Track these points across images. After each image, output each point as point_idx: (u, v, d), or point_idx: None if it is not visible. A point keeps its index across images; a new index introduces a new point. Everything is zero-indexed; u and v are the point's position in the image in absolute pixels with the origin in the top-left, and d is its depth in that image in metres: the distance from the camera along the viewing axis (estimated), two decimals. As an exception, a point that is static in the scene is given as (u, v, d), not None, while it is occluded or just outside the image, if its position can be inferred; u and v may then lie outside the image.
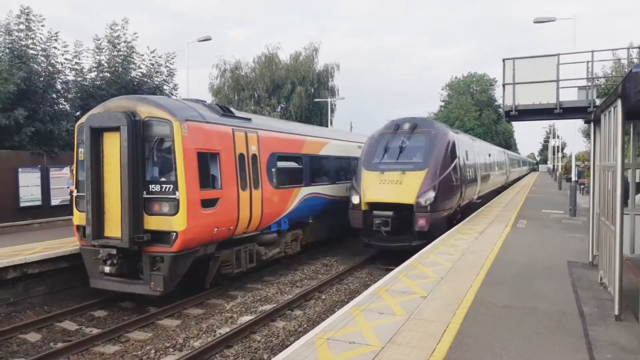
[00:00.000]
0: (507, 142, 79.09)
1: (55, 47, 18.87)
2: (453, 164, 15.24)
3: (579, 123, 24.22)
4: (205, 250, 10.49)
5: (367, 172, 14.50)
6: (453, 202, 15.41)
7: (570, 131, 57.89)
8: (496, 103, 74.34)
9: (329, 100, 42.88)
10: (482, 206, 21.72)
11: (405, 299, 7.34)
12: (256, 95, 43.25)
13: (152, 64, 22.12)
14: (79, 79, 20.33)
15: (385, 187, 13.98)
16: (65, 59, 19.47)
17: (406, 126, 15.13)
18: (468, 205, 18.72)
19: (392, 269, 9.74)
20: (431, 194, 13.48)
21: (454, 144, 15.76)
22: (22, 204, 16.27)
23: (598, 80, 19.14)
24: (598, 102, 12.15)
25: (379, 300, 7.31)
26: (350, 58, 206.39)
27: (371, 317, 6.52)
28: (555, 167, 62.17)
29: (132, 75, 21.34)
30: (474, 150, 20.66)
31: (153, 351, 8.07)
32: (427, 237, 13.36)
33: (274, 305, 10.42)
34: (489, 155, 27.14)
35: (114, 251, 9.68)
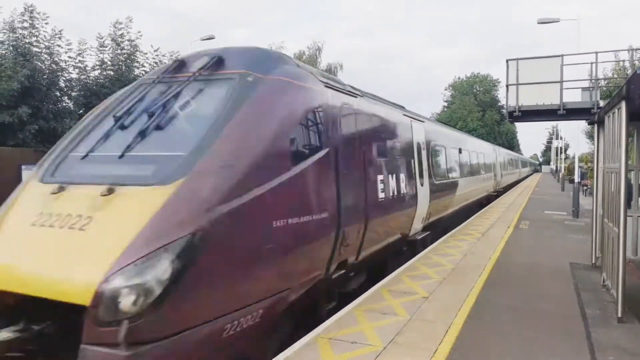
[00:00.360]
0: (510, 143, 78.98)
1: (59, 45, 18.94)
2: (313, 168, 5.99)
3: (582, 124, 24.11)
4: None
5: (33, 185, 5.36)
6: (295, 270, 5.71)
7: (574, 132, 57.81)
8: (499, 104, 74.31)
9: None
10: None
11: (407, 300, 7.33)
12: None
13: (156, 63, 22.17)
14: (82, 77, 20.41)
15: (46, 235, 4.54)
16: (69, 57, 19.56)
17: (197, 64, 6.18)
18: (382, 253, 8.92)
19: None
20: (163, 264, 4.04)
21: (327, 116, 6.59)
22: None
23: (602, 81, 19.11)
24: (602, 103, 12.13)
25: (381, 300, 7.30)
26: (351, 58, 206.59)
27: (373, 317, 6.52)
28: (558, 168, 62.01)
29: (135, 73, 21.40)
30: (413, 137, 10.99)
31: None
32: None
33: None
34: (459, 150, 16.63)
35: None
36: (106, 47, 20.93)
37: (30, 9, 18.05)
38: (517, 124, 68.88)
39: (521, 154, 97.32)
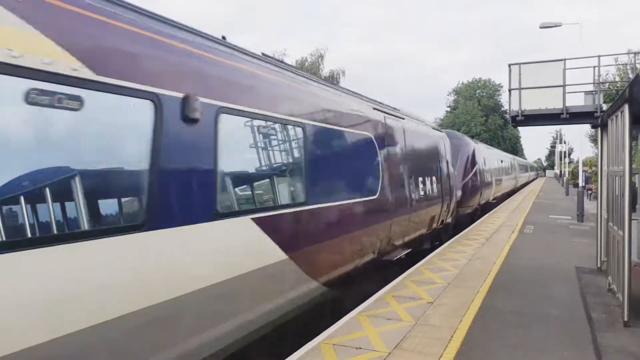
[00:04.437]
0: (514, 148, 78.85)
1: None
2: None
3: (586, 128, 24.10)
4: None
5: None
6: None
7: (577, 136, 57.68)
8: (502, 108, 74.25)
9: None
10: None
11: (412, 305, 7.30)
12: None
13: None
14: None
15: None
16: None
17: None
18: None
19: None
20: None
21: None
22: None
23: (604, 85, 19.09)
24: (605, 107, 12.10)
25: (385, 306, 7.28)
26: (357, 64, 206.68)
27: (378, 322, 6.50)
28: (562, 172, 61.82)
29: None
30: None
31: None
32: None
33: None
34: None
35: None
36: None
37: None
38: (520, 129, 68.83)
39: (525, 158, 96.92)
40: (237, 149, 5.63)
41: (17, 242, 3.12)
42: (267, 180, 6.16)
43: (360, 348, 5.59)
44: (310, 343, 5.78)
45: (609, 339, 5.97)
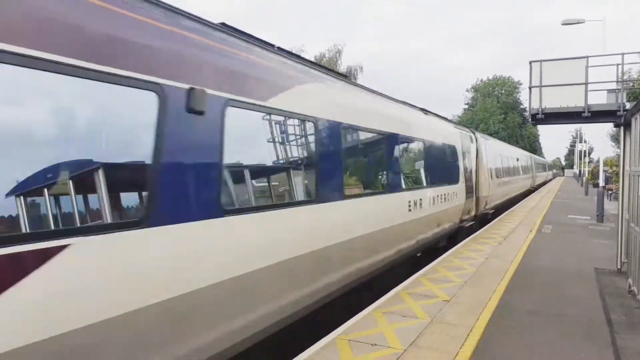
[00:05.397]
0: (532, 146, 77.85)
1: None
2: None
3: (607, 127, 23.69)
4: None
5: None
6: None
7: (597, 136, 56.72)
8: (522, 106, 73.32)
9: (351, 102, 42.72)
10: None
11: (428, 302, 7.28)
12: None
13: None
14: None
15: None
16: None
17: None
18: None
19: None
20: None
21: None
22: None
23: (628, 83, 18.73)
24: (628, 105, 11.88)
25: (400, 302, 7.27)
26: (375, 61, 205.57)
27: (393, 319, 6.49)
28: (582, 172, 60.86)
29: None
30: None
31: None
32: None
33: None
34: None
35: None
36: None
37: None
38: (539, 127, 67.91)
39: (543, 157, 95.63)
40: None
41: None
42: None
43: (375, 344, 5.59)
44: (326, 338, 5.80)
45: (629, 341, 5.88)
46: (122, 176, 4.14)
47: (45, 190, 3.43)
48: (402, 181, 9.46)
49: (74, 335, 3.22)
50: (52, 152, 3.54)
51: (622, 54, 13.05)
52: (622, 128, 9.27)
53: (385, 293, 7.80)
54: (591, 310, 7.11)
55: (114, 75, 3.58)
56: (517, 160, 30.87)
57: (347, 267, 7.19)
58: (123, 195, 4.18)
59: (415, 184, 10.71)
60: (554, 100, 13.31)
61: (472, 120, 69.03)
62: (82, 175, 3.69)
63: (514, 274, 9.24)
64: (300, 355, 5.32)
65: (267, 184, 6.26)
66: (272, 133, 5.87)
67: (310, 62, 7.65)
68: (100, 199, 3.63)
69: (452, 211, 13.15)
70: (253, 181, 5.75)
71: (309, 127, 6.30)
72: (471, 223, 15.79)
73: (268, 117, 5.67)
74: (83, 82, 3.43)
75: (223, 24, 5.42)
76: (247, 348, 5.13)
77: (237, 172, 5.26)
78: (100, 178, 3.60)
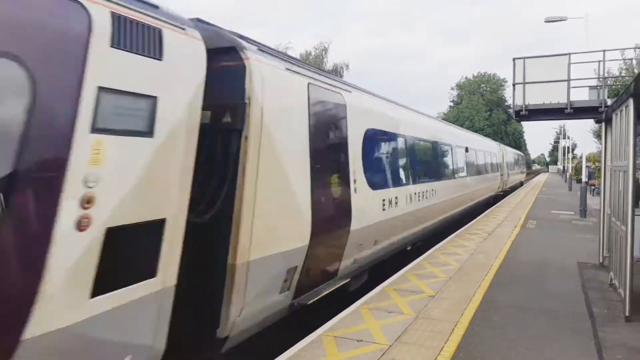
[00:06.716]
0: (517, 143, 78.56)
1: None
2: None
3: (589, 124, 24.01)
4: None
5: None
6: None
7: (581, 132, 57.49)
8: (506, 103, 73.90)
9: (337, 99, 42.70)
10: None
11: (414, 298, 7.32)
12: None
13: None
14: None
15: None
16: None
17: None
18: None
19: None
20: None
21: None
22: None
23: (609, 79, 18.98)
24: (609, 102, 12.04)
25: (387, 298, 7.30)
26: (363, 58, 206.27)
27: (379, 315, 6.52)
28: (566, 168, 61.63)
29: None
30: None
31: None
32: None
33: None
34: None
35: None
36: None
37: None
38: (524, 124, 68.65)
39: (528, 153, 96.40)
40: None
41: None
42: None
43: (361, 340, 5.61)
44: (311, 335, 5.80)
45: (610, 334, 5.98)
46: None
47: None
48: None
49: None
50: None
51: (604, 51, 13.23)
52: (603, 124, 9.39)
53: (372, 289, 7.84)
54: (574, 304, 7.21)
55: None
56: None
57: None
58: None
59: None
60: (538, 97, 13.44)
61: (457, 117, 69.42)
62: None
63: (499, 270, 9.33)
64: (285, 352, 5.31)
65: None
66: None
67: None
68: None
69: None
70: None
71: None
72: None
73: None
74: None
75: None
76: (236, 345, 5.18)
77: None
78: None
